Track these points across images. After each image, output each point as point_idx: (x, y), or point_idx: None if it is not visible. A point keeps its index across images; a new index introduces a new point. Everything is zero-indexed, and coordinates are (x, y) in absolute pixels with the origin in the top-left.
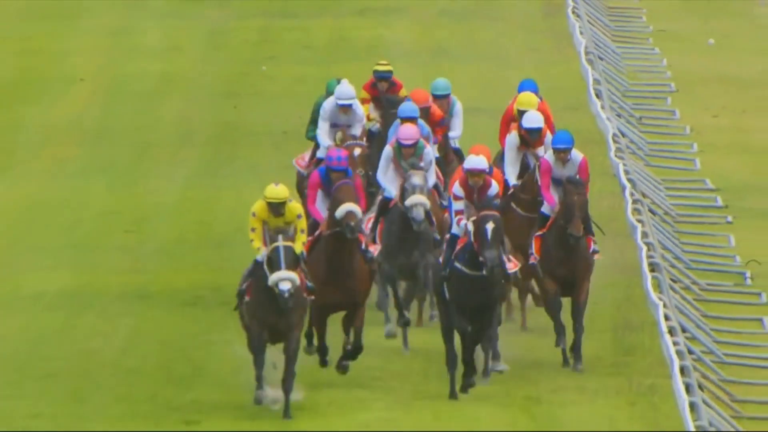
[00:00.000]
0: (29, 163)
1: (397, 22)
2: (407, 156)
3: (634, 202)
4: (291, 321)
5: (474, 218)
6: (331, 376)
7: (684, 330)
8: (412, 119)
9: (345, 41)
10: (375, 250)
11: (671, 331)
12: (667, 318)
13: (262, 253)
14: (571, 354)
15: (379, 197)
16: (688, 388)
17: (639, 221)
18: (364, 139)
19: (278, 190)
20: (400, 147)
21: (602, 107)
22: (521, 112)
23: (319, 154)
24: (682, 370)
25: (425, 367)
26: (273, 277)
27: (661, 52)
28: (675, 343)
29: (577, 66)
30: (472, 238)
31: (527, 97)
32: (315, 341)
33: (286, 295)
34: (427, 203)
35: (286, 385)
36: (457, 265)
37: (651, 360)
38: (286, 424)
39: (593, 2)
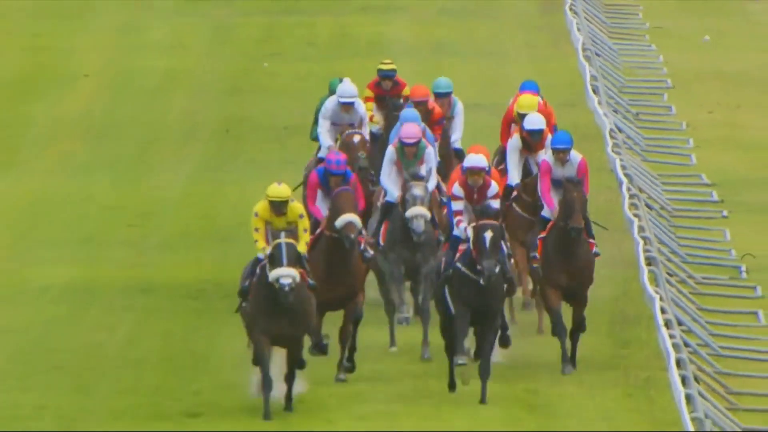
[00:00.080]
0: (36, 158)
1: (398, 19)
2: (410, 155)
3: (631, 197)
4: (294, 326)
5: (473, 225)
6: (331, 370)
7: (680, 323)
8: (413, 123)
9: (347, 38)
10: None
11: (667, 324)
12: (663, 311)
13: (265, 252)
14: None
15: (381, 200)
16: (684, 381)
17: (636, 216)
18: (365, 129)
19: (280, 189)
20: (402, 146)
21: (599, 103)
22: (521, 115)
23: (320, 153)
24: (678, 362)
25: (425, 364)
26: (273, 273)
27: (658, 48)
28: (671, 336)
29: (574, 62)
30: (471, 246)
31: (527, 100)
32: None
33: (287, 289)
34: (428, 214)
35: (289, 381)
36: (459, 266)
37: (647, 353)
38: (286, 417)
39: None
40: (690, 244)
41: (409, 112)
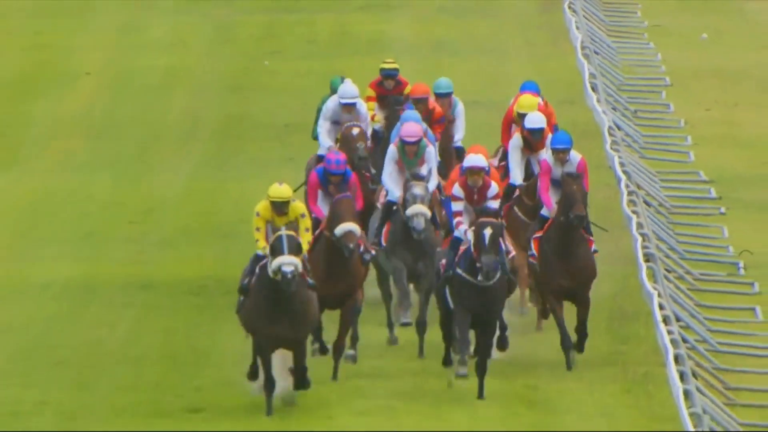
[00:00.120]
0: (37, 156)
1: (398, 17)
2: (410, 154)
3: (630, 193)
4: (297, 327)
5: (473, 223)
6: (330, 369)
7: (678, 319)
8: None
9: (347, 36)
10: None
11: (666, 320)
12: (661, 307)
13: (266, 251)
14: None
15: (383, 200)
16: (682, 376)
17: (634, 212)
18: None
19: (282, 190)
20: (403, 145)
21: (598, 101)
22: (521, 115)
23: (320, 152)
24: (677, 358)
25: (425, 361)
26: (275, 263)
27: (656, 46)
28: (669, 332)
29: (573, 60)
30: (471, 246)
31: (527, 100)
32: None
33: (289, 276)
34: (428, 213)
35: (298, 380)
36: (459, 271)
37: (646, 348)
38: (287, 412)
39: None
40: (688, 241)
41: (410, 112)
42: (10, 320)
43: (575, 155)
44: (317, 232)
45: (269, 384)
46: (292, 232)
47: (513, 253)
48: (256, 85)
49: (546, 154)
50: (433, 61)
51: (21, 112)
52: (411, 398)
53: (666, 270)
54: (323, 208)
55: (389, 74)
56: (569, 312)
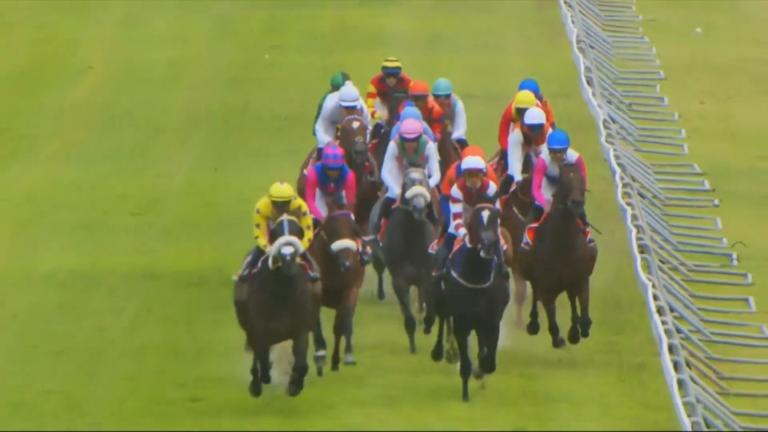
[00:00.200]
0: (42, 148)
1: (397, 12)
2: (410, 150)
3: (624, 185)
4: (296, 320)
5: (471, 211)
6: (330, 353)
7: (672, 309)
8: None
9: (347, 30)
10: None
11: (660, 311)
12: (655, 298)
13: (268, 251)
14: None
15: (382, 197)
16: (676, 366)
17: (629, 204)
18: (369, 136)
19: (283, 189)
20: (403, 142)
21: (593, 94)
22: (520, 110)
23: (320, 146)
24: (671, 348)
25: (423, 352)
26: (276, 244)
27: (650, 41)
28: (663, 322)
29: (568, 54)
30: (468, 233)
31: (525, 96)
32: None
33: (288, 258)
34: (427, 194)
35: (295, 384)
36: (454, 275)
37: (640, 338)
38: (286, 401)
39: None
40: (682, 233)
41: (410, 109)
42: (14, 310)
43: (572, 154)
44: (315, 231)
45: (264, 378)
46: (293, 218)
47: (506, 246)
48: (257, 78)
49: (543, 153)
50: (430, 55)
51: (25, 105)
52: (410, 388)
53: (660, 261)
54: (321, 209)
55: (391, 72)
56: (568, 312)
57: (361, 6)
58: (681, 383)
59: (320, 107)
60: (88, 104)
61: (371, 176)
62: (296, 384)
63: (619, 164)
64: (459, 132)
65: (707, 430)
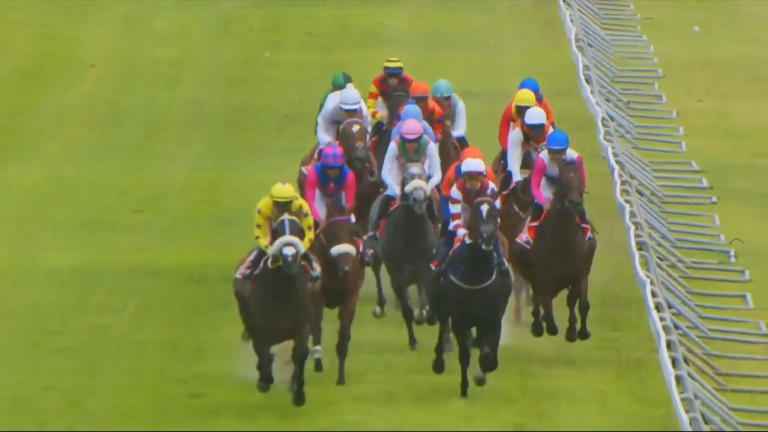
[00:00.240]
0: (44, 145)
1: (396, 11)
2: (411, 151)
3: (623, 183)
4: (297, 318)
5: (471, 205)
6: (329, 349)
7: (670, 306)
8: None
9: (346, 29)
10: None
11: (658, 307)
12: (654, 294)
13: (269, 251)
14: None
15: (382, 195)
16: (674, 362)
17: (627, 202)
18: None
19: (285, 190)
20: (404, 142)
21: (592, 92)
22: (520, 108)
23: (321, 146)
24: (669, 344)
25: (422, 346)
26: (277, 243)
27: (648, 39)
28: (661, 319)
29: (567, 52)
30: (468, 228)
31: (525, 94)
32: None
33: (290, 259)
34: (426, 188)
35: (297, 380)
36: (453, 279)
37: (638, 335)
38: (286, 396)
39: None
40: (680, 230)
41: (411, 108)
42: (17, 306)
43: (571, 153)
44: (317, 232)
45: (266, 379)
46: (294, 217)
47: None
48: (257, 76)
49: (542, 153)
50: (430, 53)
51: (27, 103)
52: (410, 384)
53: (658, 258)
54: (320, 210)
55: (393, 73)
56: (565, 313)
57: (360, 5)
58: (679, 379)
59: (321, 107)
60: (90, 102)
61: (371, 176)
62: (298, 380)
63: (618, 162)
64: (459, 131)
65: (705, 425)
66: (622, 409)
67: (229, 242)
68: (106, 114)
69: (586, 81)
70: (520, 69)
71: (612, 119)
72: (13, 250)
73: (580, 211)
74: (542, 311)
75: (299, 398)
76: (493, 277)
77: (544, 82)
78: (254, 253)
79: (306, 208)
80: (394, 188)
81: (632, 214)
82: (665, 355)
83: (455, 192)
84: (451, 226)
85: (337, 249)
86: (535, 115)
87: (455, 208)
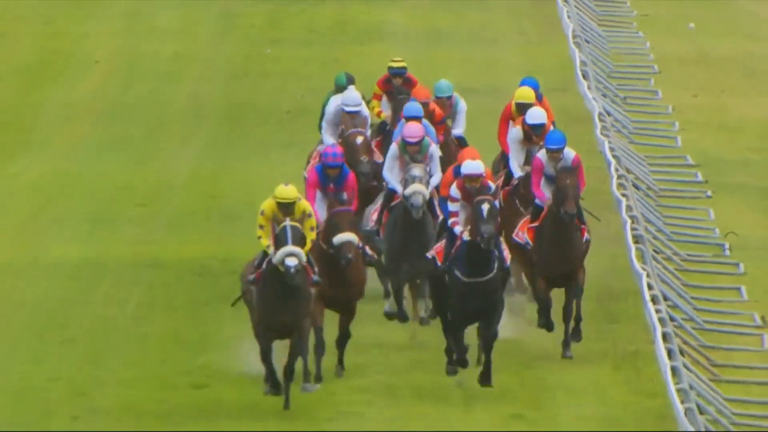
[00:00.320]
0: (49, 140)
1: (396, 7)
2: (412, 153)
3: (619, 177)
4: (298, 314)
5: (471, 204)
6: (329, 344)
7: (666, 298)
8: (416, 119)
9: (347, 25)
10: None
11: (654, 300)
12: (650, 287)
13: (270, 251)
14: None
15: (385, 189)
16: (669, 353)
17: (623, 195)
18: (370, 131)
19: (288, 191)
20: (405, 145)
21: (589, 88)
22: (520, 105)
23: (320, 148)
24: (664, 336)
25: (422, 337)
26: (279, 253)
27: (645, 35)
28: (657, 311)
29: (565, 49)
30: (469, 226)
31: (524, 92)
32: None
33: (293, 271)
34: (426, 192)
35: (288, 371)
36: (455, 272)
37: (635, 327)
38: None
39: None
40: (675, 223)
41: (413, 106)
42: (22, 298)
43: (569, 152)
44: (319, 229)
45: (271, 376)
46: (296, 223)
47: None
48: (259, 72)
49: (540, 152)
50: (429, 49)
51: (33, 98)
52: (409, 374)
53: (654, 251)
54: (321, 211)
55: (397, 73)
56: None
57: (360, 1)
58: (674, 370)
59: (324, 107)
60: (94, 98)
61: (375, 180)
62: (290, 368)
63: (614, 156)
64: (458, 130)
65: (700, 416)
66: (619, 399)
67: (231, 235)
68: (111, 109)
69: (584, 77)
70: (518, 65)
71: (609, 114)
72: (19, 243)
73: (579, 216)
74: (539, 306)
75: (286, 400)
76: (494, 272)
77: (542, 78)
78: (260, 257)
79: (309, 209)
80: (395, 185)
81: (628, 208)
82: (661, 347)
83: (454, 191)
84: (449, 223)
85: (340, 238)
86: (537, 115)
87: (454, 206)
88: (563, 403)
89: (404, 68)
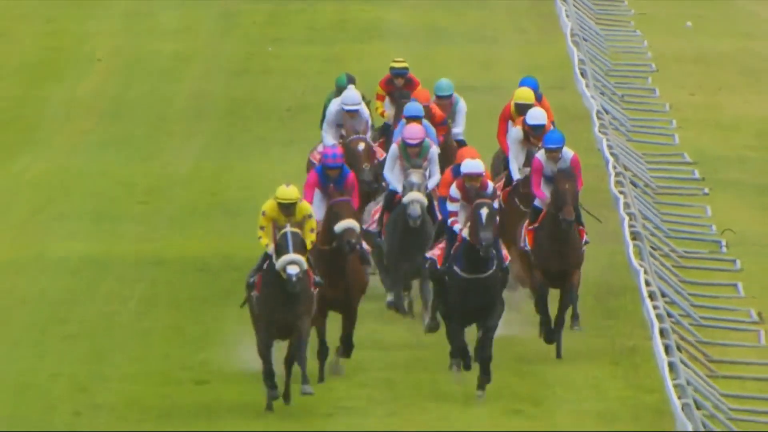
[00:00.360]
0: (52, 137)
1: (395, 6)
2: (413, 155)
3: (617, 174)
4: (298, 312)
5: (471, 207)
6: (331, 342)
7: (663, 294)
8: (417, 119)
9: (347, 23)
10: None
11: (651, 296)
12: (647, 283)
13: (271, 249)
14: (565, 321)
15: (386, 190)
16: (667, 349)
17: (621, 193)
18: (372, 133)
19: (289, 191)
20: (405, 146)
21: (587, 86)
22: (519, 106)
23: (320, 148)
24: (662, 332)
25: (421, 334)
26: (280, 261)
27: (642, 34)
28: (655, 307)
29: (563, 47)
30: (468, 228)
31: (524, 92)
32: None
33: (294, 279)
34: (424, 200)
35: (288, 364)
36: (455, 268)
37: (632, 323)
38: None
39: None
40: (673, 220)
41: (413, 106)
42: (25, 294)
43: (568, 152)
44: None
45: (269, 377)
46: (296, 230)
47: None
48: (260, 69)
49: (539, 152)
50: (428, 47)
51: (36, 95)
52: (408, 370)
53: (652, 248)
54: (319, 212)
55: (399, 73)
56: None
57: (360, 0)
58: (672, 366)
59: (325, 108)
60: (96, 95)
61: (376, 182)
62: (289, 362)
63: (612, 154)
64: (458, 129)
65: (697, 411)
66: (617, 395)
67: (232, 232)
68: (113, 107)
69: (582, 75)
70: (516, 63)
71: (606, 112)
72: (22, 240)
73: (578, 221)
74: (535, 302)
75: (286, 395)
76: (493, 269)
77: (541, 76)
78: (261, 260)
79: (309, 209)
80: (396, 185)
81: (626, 205)
82: (658, 343)
83: (454, 191)
84: (449, 223)
85: (341, 225)
86: (537, 116)
87: (453, 206)
88: (561, 398)
89: (406, 69)
